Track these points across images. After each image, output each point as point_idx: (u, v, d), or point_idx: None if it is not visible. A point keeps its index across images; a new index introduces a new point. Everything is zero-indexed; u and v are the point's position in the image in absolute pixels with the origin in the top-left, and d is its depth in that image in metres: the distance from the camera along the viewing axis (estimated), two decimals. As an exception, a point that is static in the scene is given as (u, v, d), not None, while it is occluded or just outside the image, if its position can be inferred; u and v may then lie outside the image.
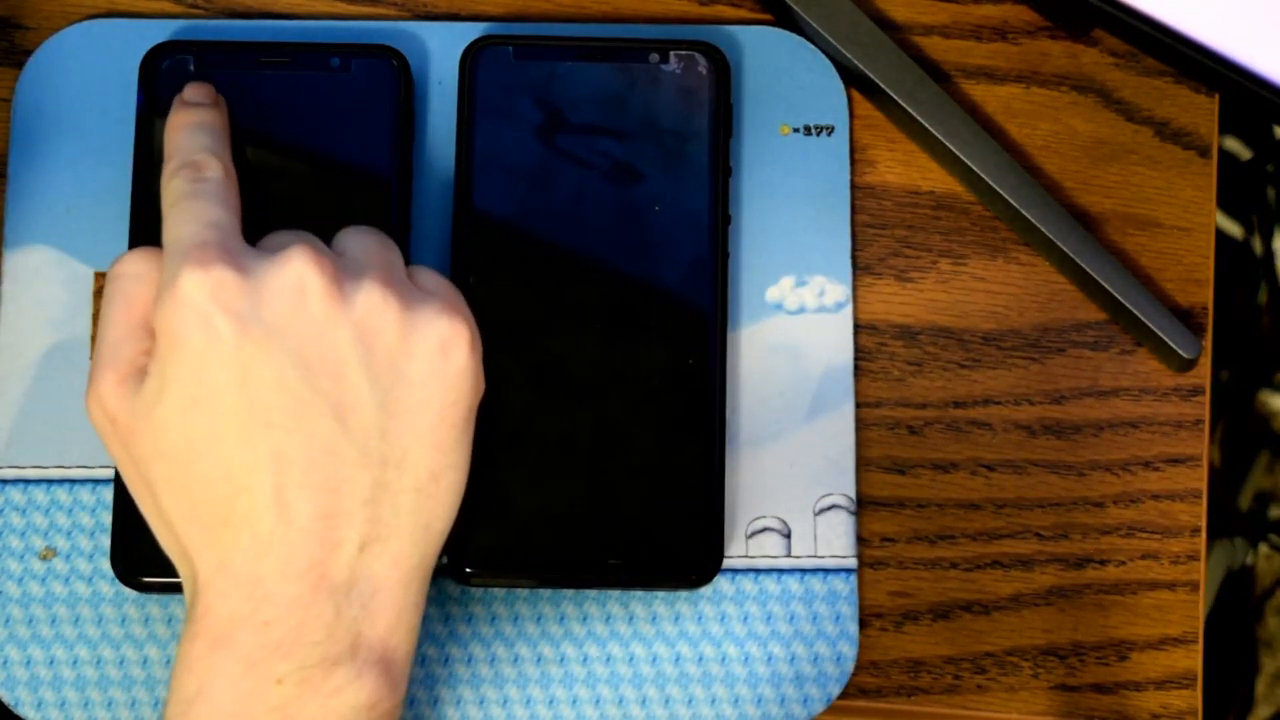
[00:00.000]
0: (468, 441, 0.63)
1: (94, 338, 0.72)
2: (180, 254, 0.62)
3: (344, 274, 0.62)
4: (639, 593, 0.71)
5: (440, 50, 0.74)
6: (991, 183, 0.74)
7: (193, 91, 0.69)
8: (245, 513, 0.60)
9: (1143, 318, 0.73)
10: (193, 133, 0.67)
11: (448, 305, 0.63)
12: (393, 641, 0.62)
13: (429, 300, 0.63)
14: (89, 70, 0.74)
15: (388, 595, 0.62)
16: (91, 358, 0.64)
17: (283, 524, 0.60)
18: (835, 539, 0.72)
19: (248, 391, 0.60)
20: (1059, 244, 0.73)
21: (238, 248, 0.62)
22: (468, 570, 0.69)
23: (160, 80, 0.71)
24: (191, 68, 0.72)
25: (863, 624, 0.72)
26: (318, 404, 0.61)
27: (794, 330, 0.73)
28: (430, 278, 0.65)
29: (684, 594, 0.71)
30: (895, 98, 0.74)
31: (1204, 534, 0.74)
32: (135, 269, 0.64)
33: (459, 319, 0.63)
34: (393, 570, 0.62)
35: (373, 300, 0.62)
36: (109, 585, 0.71)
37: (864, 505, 0.73)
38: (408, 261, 0.71)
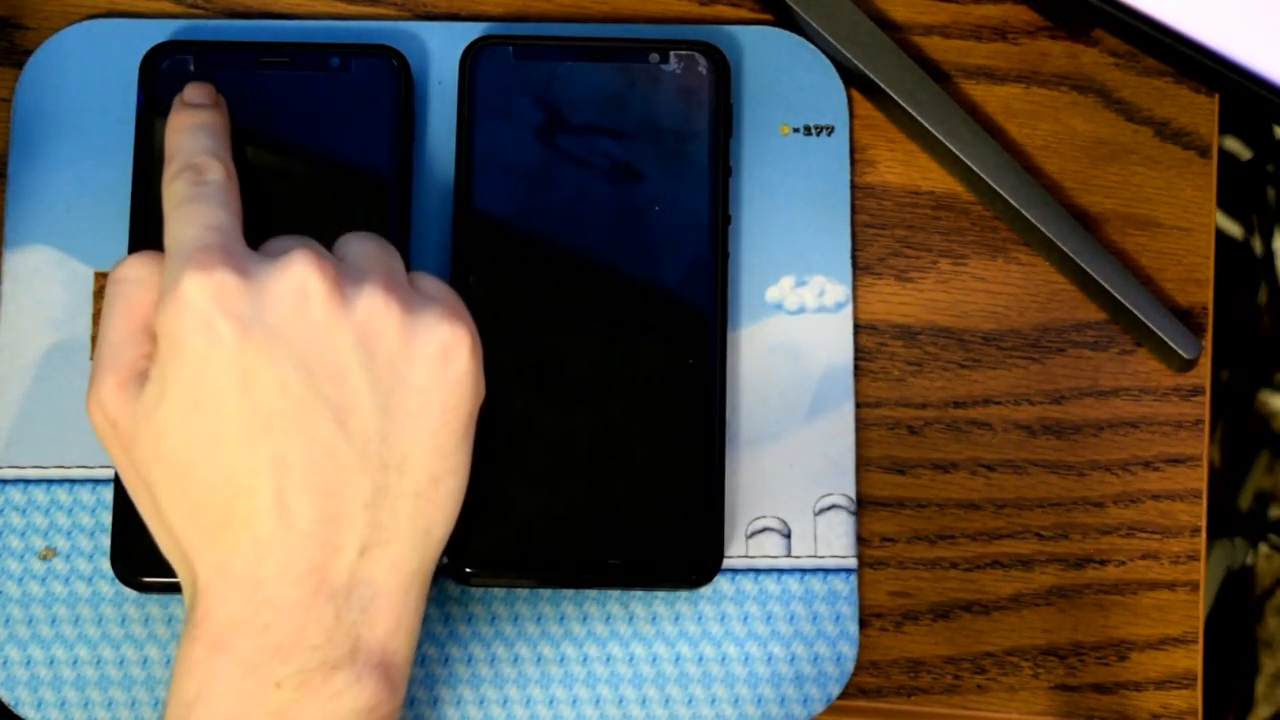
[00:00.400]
0: (468, 446, 0.63)
1: (94, 338, 0.72)
2: (182, 257, 0.62)
3: (345, 278, 0.62)
4: (639, 593, 0.71)
5: (440, 50, 0.74)
6: (991, 183, 0.74)
7: (193, 92, 0.69)
8: (245, 516, 0.60)
9: (1143, 318, 0.73)
10: (194, 134, 0.67)
11: (449, 310, 0.63)
12: (392, 646, 0.62)
13: (430, 305, 0.63)
14: (89, 70, 0.74)
15: (387, 599, 0.62)
16: (92, 361, 0.64)
17: (283, 527, 0.60)
18: (835, 539, 0.72)
19: (249, 395, 0.60)
20: (1059, 244, 0.73)
21: (240, 251, 0.62)
22: (468, 570, 0.69)
23: (160, 80, 0.71)
24: (191, 68, 0.72)
25: (863, 624, 0.72)
26: (319, 408, 0.61)
27: (794, 330, 0.73)
28: (431, 283, 0.65)
29: (684, 594, 0.71)
30: (895, 98, 0.74)
31: (1204, 534, 0.74)
32: (136, 273, 0.64)
33: (460, 324, 0.63)
34: (392, 574, 0.62)
35: (374, 304, 0.62)
36: (109, 585, 0.71)
37: (864, 505, 0.73)
38: (408, 264, 0.71)
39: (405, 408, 0.62)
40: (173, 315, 0.61)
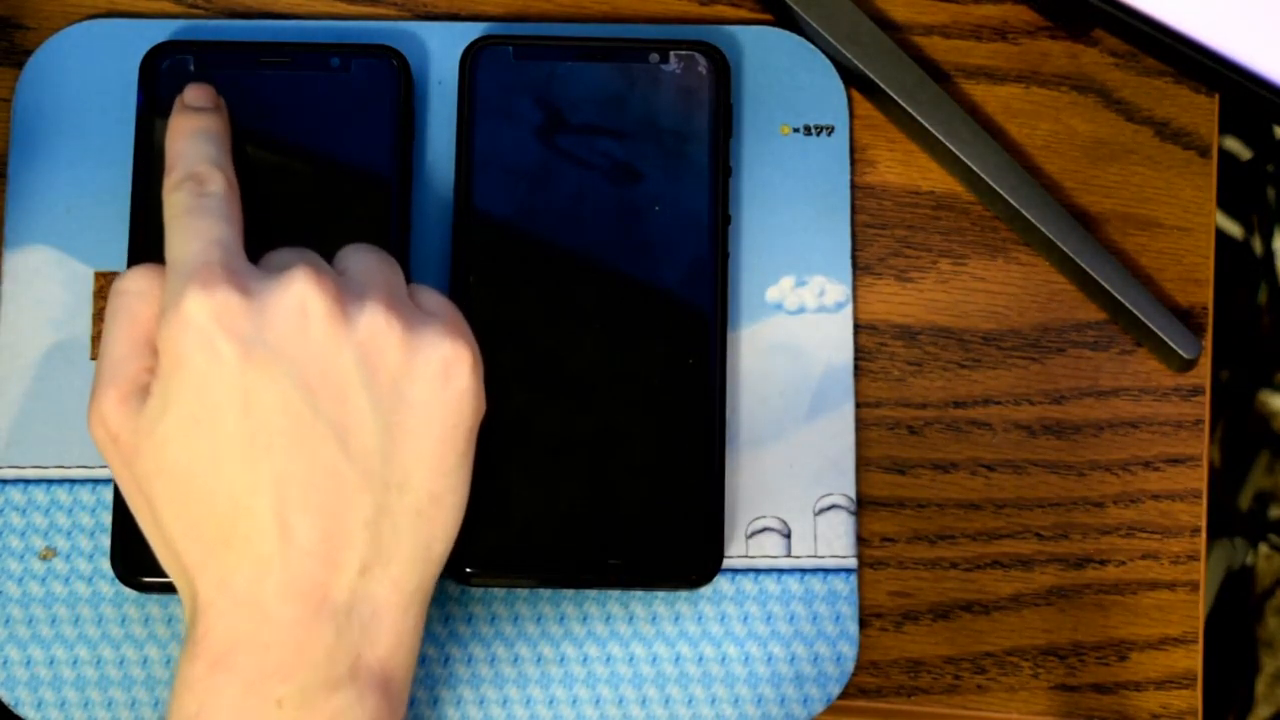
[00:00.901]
0: (468, 463, 0.63)
1: (94, 338, 0.72)
2: (184, 274, 0.62)
3: (347, 295, 0.62)
4: (639, 593, 0.71)
5: (440, 50, 0.74)
6: (991, 183, 0.74)
7: (194, 94, 0.69)
8: (246, 534, 0.60)
9: (1143, 318, 0.73)
10: (195, 141, 0.67)
11: (450, 327, 0.63)
12: (392, 663, 0.62)
13: (431, 322, 0.63)
14: (89, 70, 0.74)
15: (388, 617, 0.62)
16: (94, 373, 0.63)
17: (284, 546, 0.60)
18: (835, 539, 0.72)
19: (250, 414, 0.60)
20: (1059, 244, 0.73)
21: (241, 267, 0.62)
22: (468, 570, 0.69)
23: (160, 80, 0.71)
24: (191, 68, 0.72)
25: (863, 624, 0.72)
26: (320, 427, 0.61)
27: (794, 330, 0.73)
28: (432, 298, 0.64)
29: (684, 594, 0.71)
30: (895, 98, 0.74)
31: (1204, 534, 0.74)
32: (138, 286, 0.63)
33: (461, 341, 0.63)
34: (393, 593, 0.62)
35: (375, 322, 0.62)
36: (109, 585, 0.70)
37: (864, 505, 0.73)
38: (409, 265, 0.71)
39: (407, 426, 0.62)
40: (175, 332, 0.61)
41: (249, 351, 0.60)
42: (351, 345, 0.62)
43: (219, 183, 0.65)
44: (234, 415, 0.60)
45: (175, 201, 0.65)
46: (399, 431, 0.62)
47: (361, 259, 0.64)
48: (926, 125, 0.74)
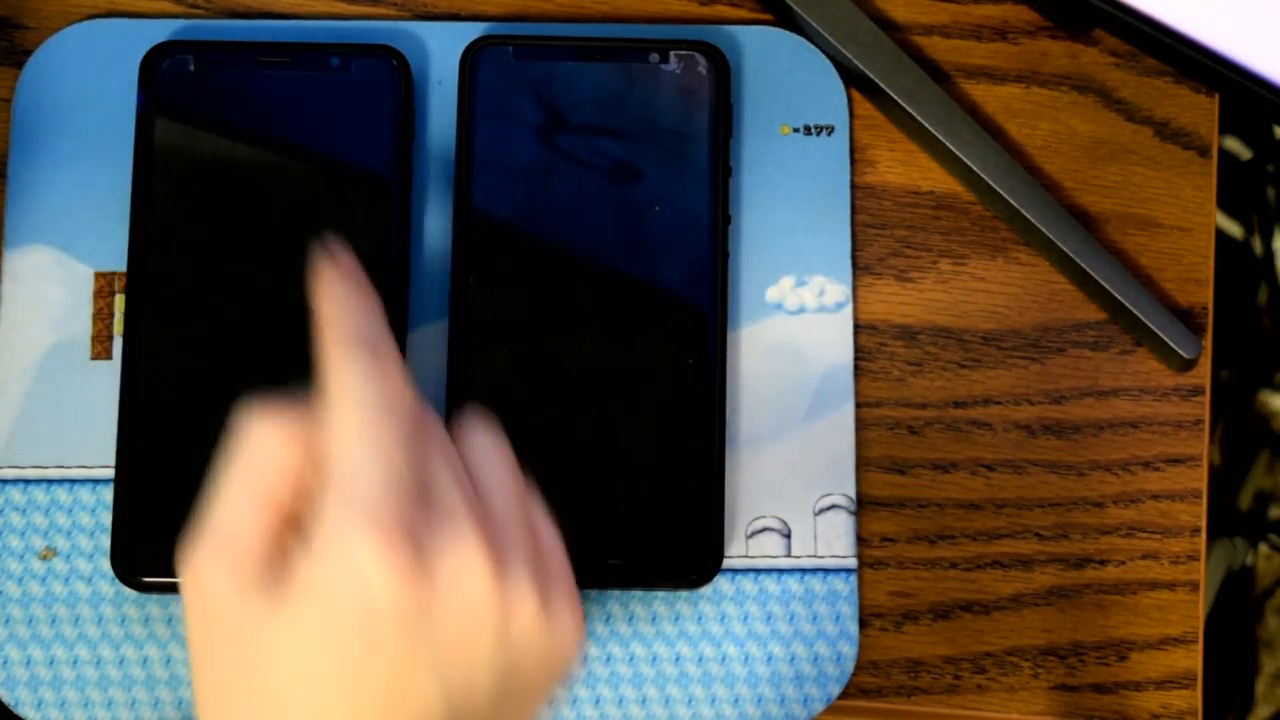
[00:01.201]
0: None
1: (94, 338, 0.72)
2: (358, 499, 0.56)
3: (506, 572, 0.58)
4: (639, 593, 0.71)
5: (440, 50, 0.74)
6: (991, 183, 0.74)
7: (351, 265, 0.61)
8: None
9: (1143, 318, 0.73)
10: (373, 320, 0.59)
11: (573, 605, 0.60)
12: None
13: (564, 607, 0.60)
14: (89, 70, 0.74)
15: None
16: (204, 516, 0.57)
17: None
18: (835, 539, 0.72)
19: (383, 691, 0.56)
20: (1059, 244, 0.73)
21: (415, 514, 0.57)
22: (468, 570, 0.69)
23: (160, 80, 0.71)
24: (191, 68, 0.72)
25: (863, 624, 0.72)
26: (438, 709, 0.57)
27: (794, 330, 0.73)
28: (545, 530, 0.61)
29: (684, 594, 0.71)
30: (895, 98, 0.74)
31: (1204, 534, 0.74)
32: (270, 440, 0.57)
33: (581, 623, 0.60)
34: None
35: (528, 620, 0.58)
36: (109, 585, 0.70)
37: (864, 505, 0.73)
38: (409, 266, 0.71)
39: (513, 700, 0.59)
40: (335, 571, 0.55)
41: (408, 641, 0.56)
42: (502, 646, 0.58)
43: (403, 383, 0.58)
44: (363, 686, 0.56)
45: (359, 375, 0.58)
46: (505, 703, 0.59)
47: (496, 475, 0.60)
48: (926, 125, 0.74)
